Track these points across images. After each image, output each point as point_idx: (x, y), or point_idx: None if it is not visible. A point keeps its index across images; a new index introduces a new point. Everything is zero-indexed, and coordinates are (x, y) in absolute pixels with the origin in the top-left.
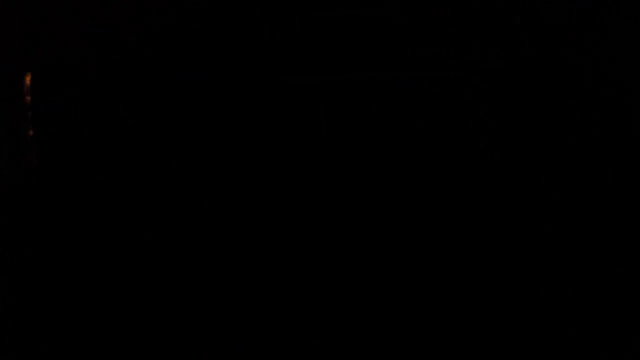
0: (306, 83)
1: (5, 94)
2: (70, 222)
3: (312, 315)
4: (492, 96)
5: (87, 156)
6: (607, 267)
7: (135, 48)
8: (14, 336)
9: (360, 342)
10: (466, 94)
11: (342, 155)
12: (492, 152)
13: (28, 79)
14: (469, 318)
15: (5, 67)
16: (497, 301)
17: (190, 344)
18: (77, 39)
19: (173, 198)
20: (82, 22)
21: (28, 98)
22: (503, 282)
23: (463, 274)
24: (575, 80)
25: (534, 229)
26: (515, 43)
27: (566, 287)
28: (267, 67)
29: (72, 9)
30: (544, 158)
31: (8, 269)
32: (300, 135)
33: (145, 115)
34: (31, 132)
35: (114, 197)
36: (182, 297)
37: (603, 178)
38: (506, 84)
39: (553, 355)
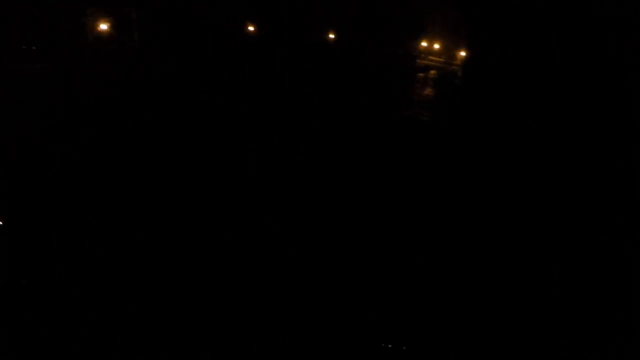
0: None
1: None
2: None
3: (309, 315)
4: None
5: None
6: (606, 264)
7: None
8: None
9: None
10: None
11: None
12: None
13: None
14: (467, 317)
15: None
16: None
17: (190, 344)
18: None
19: (170, 194)
20: None
21: None
22: (502, 279)
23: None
24: (574, 79)
25: (533, 227)
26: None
27: (566, 284)
28: None
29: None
30: (544, 157)
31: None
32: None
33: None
34: None
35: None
36: (182, 297)
37: (602, 177)
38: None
39: (553, 354)
